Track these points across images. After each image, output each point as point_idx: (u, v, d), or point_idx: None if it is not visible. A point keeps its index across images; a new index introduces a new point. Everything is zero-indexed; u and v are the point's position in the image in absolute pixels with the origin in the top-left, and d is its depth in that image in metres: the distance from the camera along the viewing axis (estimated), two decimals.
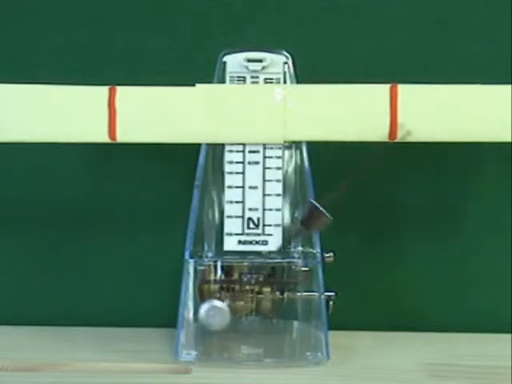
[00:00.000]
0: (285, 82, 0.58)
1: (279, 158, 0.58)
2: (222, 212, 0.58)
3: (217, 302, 0.56)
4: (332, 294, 0.58)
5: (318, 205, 0.55)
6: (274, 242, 0.58)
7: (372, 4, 0.67)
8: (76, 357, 0.59)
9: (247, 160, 0.58)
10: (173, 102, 0.57)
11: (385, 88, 0.57)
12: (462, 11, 0.67)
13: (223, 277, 0.58)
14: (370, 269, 0.69)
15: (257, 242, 0.58)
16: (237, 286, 0.58)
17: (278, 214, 0.58)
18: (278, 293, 0.58)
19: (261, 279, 0.58)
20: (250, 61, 0.58)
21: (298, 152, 0.58)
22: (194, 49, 0.67)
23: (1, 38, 0.68)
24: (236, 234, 0.58)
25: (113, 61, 0.67)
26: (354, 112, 0.57)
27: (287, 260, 0.58)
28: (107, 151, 0.66)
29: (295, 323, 0.59)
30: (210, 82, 0.58)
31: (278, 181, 0.58)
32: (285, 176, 0.58)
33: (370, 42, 0.67)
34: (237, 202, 0.58)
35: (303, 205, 0.58)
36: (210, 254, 0.59)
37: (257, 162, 0.58)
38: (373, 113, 0.57)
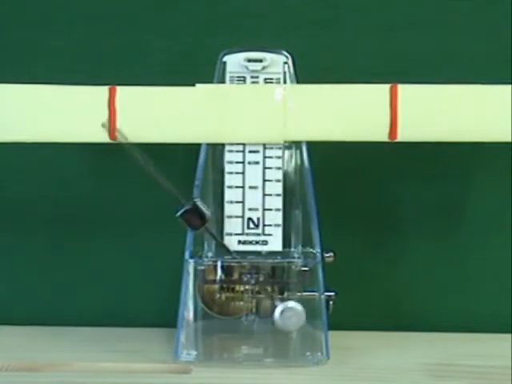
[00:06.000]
0: (285, 82, 0.58)
1: (279, 157, 0.58)
2: (222, 212, 0.58)
3: (291, 303, 0.56)
4: (332, 293, 0.58)
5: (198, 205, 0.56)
6: (274, 242, 0.58)
7: (372, 4, 0.67)
8: (76, 357, 0.59)
9: (247, 160, 0.58)
10: (173, 102, 0.57)
11: (385, 88, 0.57)
12: (462, 11, 0.67)
13: (223, 277, 0.58)
14: (370, 269, 0.69)
15: (257, 242, 0.58)
16: (237, 286, 0.58)
17: (278, 214, 0.58)
18: (278, 293, 0.58)
19: (261, 279, 0.58)
20: (250, 61, 0.58)
21: (298, 152, 0.58)
22: (194, 49, 0.67)
23: (1, 38, 0.68)
24: (236, 234, 0.58)
25: (113, 61, 0.67)
26: (354, 112, 0.57)
27: (287, 260, 0.58)
28: None
29: None
30: (210, 82, 0.58)
31: (277, 181, 0.58)
32: (285, 176, 0.58)
33: (370, 42, 0.67)
34: (237, 202, 0.58)
35: (303, 204, 0.58)
36: (209, 254, 0.59)
37: (257, 162, 0.58)
38: (373, 113, 0.57)
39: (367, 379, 0.56)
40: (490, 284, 0.69)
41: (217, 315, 0.58)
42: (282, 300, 0.57)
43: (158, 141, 0.58)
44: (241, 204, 0.58)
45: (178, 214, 0.56)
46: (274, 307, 0.57)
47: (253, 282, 0.57)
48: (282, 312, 0.56)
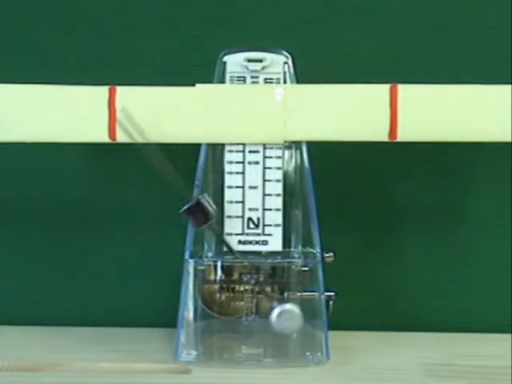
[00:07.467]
0: (285, 82, 0.58)
1: (279, 157, 0.58)
2: (222, 212, 0.58)
3: (288, 306, 0.56)
4: (332, 293, 0.58)
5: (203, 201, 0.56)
6: (274, 242, 0.58)
7: (372, 4, 0.67)
8: (76, 357, 0.59)
9: (247, 160, 0.58)
10: (173, 101, 0.57)
11: (385, 88, 0.57)
12: (462, 12, 0.67)
13: (223, 277, 0.58)
14: (370, 269, 0.69)
15: (257, 242, 0.58)
16: (237, 286, 0.58)
17: (278, 214, 0.58)
18: (278, 293, 0.58)
19: (261, 279, 0.58)
20: (250, 61, 0.58)
21: (298, 152, 0.58)
22: (194, 49, 0.67)
23: (1, 38, 0.68)
24: (236, 234, 0.58)
25: (113, 61, 0.67)
26: (354, 112, 0.57)
27: (287, 260, 0.58)
28: None
29: None
30: (210, 82, 0.58)
31: (277, 181, 0.58)
32: (285, 176, 0.58)
33: (370, 42, 0.67)
34: (237, 202, 0.58)
35: (303, 204, 0.58)
36: (210, 254, 0.59)
37: (257, 162, 0.58)
38: (373, 113, 0.57)
39: (367, 379, 0.56)
40: (490, 284, 0.69)
41: (217, 315, 0.58)
42: (280, 302, 0.57)
43: (158, 141, 0.58)
44: (241, 204, 0.58)
45: (182, 209, 0.56)
46: (272, 308, 0.57)
47: (253, 282, 0.57)
48: (280, 314, 0.56)
